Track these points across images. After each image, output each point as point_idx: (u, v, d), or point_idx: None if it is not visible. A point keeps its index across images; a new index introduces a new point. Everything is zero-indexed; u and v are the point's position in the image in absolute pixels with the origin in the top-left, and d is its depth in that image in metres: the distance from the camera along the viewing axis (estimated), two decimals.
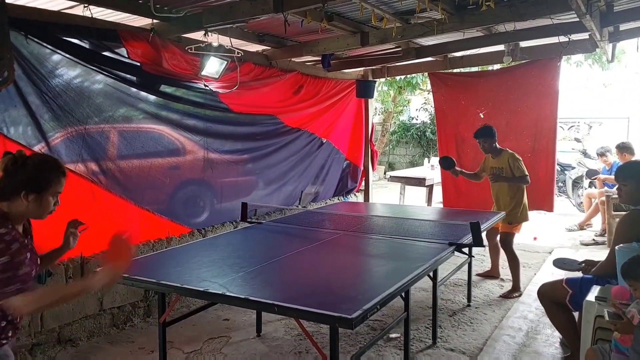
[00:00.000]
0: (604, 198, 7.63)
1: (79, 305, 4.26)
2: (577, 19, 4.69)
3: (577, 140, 12.05)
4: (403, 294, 3.32)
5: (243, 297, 2.65)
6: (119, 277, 2.23)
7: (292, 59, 6.50)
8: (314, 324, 4.22)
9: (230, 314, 4.79)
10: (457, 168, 5.75)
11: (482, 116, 7.37)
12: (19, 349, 3.83)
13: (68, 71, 4.25)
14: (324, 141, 7.48)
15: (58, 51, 4.13)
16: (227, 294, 2.70)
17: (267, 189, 6.56)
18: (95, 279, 2.10)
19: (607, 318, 2.59)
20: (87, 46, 4.35)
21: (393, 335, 4.20)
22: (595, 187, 8.81)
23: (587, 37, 5.90)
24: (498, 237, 5.50)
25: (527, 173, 5.32)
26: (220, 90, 5.53)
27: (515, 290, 5.27)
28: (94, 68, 4.42)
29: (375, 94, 9.45)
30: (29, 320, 3.91)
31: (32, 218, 2.19)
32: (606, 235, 7.43)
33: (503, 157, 5.36)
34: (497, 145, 5.44)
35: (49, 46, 4.06)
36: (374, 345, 3.96)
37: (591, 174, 8.41)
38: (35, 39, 3.95)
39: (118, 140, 4.72)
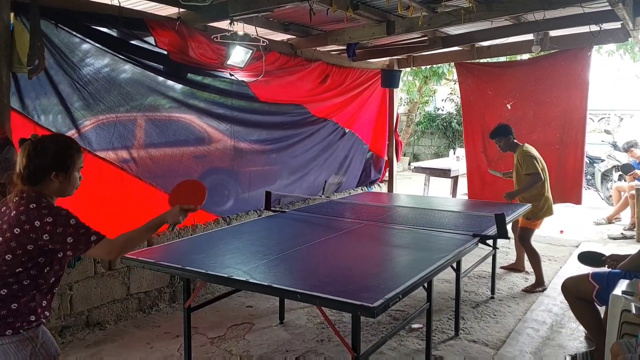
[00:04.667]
0: (633, 192, 7.48)
1: (107, 289, 4.37)
2: (609, 8, 4.58)
3: (607, 132, 11.82)
4: (426, 285, 3.32)
5: (266, 284, 2.67)
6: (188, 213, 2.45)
7: (317, 48, 6.49)
8: (336, 312, 4.25)
9: (253, 301, 4.84)
10: (504, 172, 5.70)
11: (509, 107, 7.27)
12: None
13: (97, 60, 4.31)
14: (347, 131, 7.47)
15: (87, 40, 4.19)
16: (251, 280, 2.73)
17: (291, 178, 6.59)
18: (170, 214, 2.37)
19: (633, 311, 2.55)
20: (115, 35, 4.41)
21: (415, 326, 4.21)
22: (624, 180, 8.63)
23: (619, 26, 5.76)
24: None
25: (536, 170, 5.09)
26: (245, 79, 5.56)
27: (538, 285, 5.20)
28: (123, 57, 4.47)
29: (401, 84, 9.40)
30: (58, 303, 4.02)
31: (62, 196, 2.26)
32: (635, 229, 7.29)
33: (517, 154, 5.27)
34: (515, 141, 5.32)
35: (78, 35, 4.12)
36: (395, 335, 3.98)
37: (626, 169, 8.22)
38: (65, 28, 4.02)
39: (146, 128, 4.79)
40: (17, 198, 2.11)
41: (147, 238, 3.02)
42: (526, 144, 5.33)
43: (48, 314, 2.24)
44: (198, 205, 2.50)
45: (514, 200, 5.40)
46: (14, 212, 2.06)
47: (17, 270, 2.05)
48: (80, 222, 2.10)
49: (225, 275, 2.82)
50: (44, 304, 2.18)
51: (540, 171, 5.13)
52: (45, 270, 2.12)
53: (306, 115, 6.66)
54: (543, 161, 5.27)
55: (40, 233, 2.02)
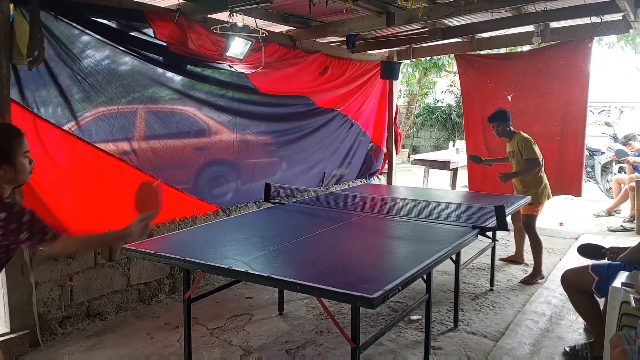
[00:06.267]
0: (633, 184, 7.48)
1: (107, 280, 4.38)
2: None
3: (608, 124, 11.80)
4: (425, 276, 3.32)
5: (266, 275, 2.68)
6: (150, 224, 2.44)
7: (317, 40, 6.46)
8: (335, 304, 4.27)
9: (253, 293, 4.86)
10: (485, 159, 5.69)
11: (509, 99, 7.25)
12: (49, 322, 3.97)
13: (97, 51, 4.29)
14: (354, 123, 7.47)
15: (87, 31, 4.16)
16: (250, 271, 2.73)
17: (294, 171, 6.58)
18: (131, 229, 2.34)
19: (633, 303, 2.56)
20: (115, 26, 4.38)
21: (414, 317, 4.22)
22: (625, 173, 8.63)
23: (620, 17, 5.74)
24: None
25: (536, 155, 5.14)
26: (245, 71, 5.54)
27: (536, 275, 5.21)
28: (122, 48, 4.45)
29: (400, 75, 9.37)
30: (59, 294, 4.04)
31: (16, 184, 2.22)
32: (635, 221, 7.30)
33: (514, 140, 5.29)
34: (511, 129, 5.36)
35: (78, 26, 4.10)
36: (395, 326, 4.00)
37: (621, 154, 8.19)
38: (65, 19, 4.00)
39: (147, 120, 4.78)
40: None
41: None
42: (522, 132, 5.36)
43: None
44: (155, 212, 2.46)
45: (511, 190, 5.40)
46: None
47: None
48: (36, 217, 2.08)
49: (225, 266, 2.82)
50: None
51: (539, 156, 5.17)
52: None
53: (310, 107, 6.65)
54: (538, 148, 5.28)
55: None
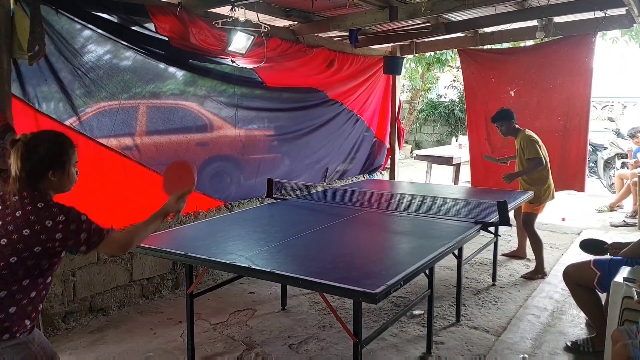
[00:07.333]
0: (636, 179, 7.47)
1: (110, 276, 4.39)
2: None
3: (611, 119, 11.74)
4: (427, 271, 3.33)
5: (268, 270, 2.68)
6: (186, 197, 2.46)
7: (319, 35, 6.44)
8: (337, 299, 4.27)
9: (255, 288, 4.86)
10: (500, 158, 5.70)
11: (512, 94, 7.22)
12: (52, 317, 3.98)
13: (98, 46, 4.28)
14: (359, 118, 7.47)
15: (88, 26, 4.15)
16: (253, 267, 2.74)
17: (300, 166, 6.58)
18: (169, 207, 2.39)
19: (635, 298, 2.56)
20: (116, 21, 4.37)
21: (416, 312, 4.22)
22: (627, 168, 8.61)
23: (624, 12, 5.71)
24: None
25: (538, 155, 5.07)
26: (247, 66, 5.53)
27: (538, 272, 5.20)
28: (124, 43, 4.44)
29: (403, 70, 9.35)
30: (62, 290, 4.05)
31: (60, 193, 2.21)
32: (637, 217, 7.29)
33: (519, 138, 5.26)
34: (516, 126, 5.30)
35: (79, 21, 4.08)
36: (397, 321, 3.99)
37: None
38: (66, 14, 3.98)
39: (149, 115, 4.77)
40: (16, 198, 2.03)
41: (154, 230, 2.98)
42: (527, 130, 5.31)
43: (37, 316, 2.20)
44: (191, 187, 2.48)
45: (514, 185, 5.39)
46: (20, 212, 1.99)
47: (19, 273, 1.99)
48: (89, 218, 2.09)
49: (228, 262, 2.83)
50: (39, 308, 2.13)
51: (543, 156, 5.13)
52: (47, 274, 2.09)
53: (322, 99, 6.67)
54: (544, 147, 5.25)
55: (52, 233, 1.97)
